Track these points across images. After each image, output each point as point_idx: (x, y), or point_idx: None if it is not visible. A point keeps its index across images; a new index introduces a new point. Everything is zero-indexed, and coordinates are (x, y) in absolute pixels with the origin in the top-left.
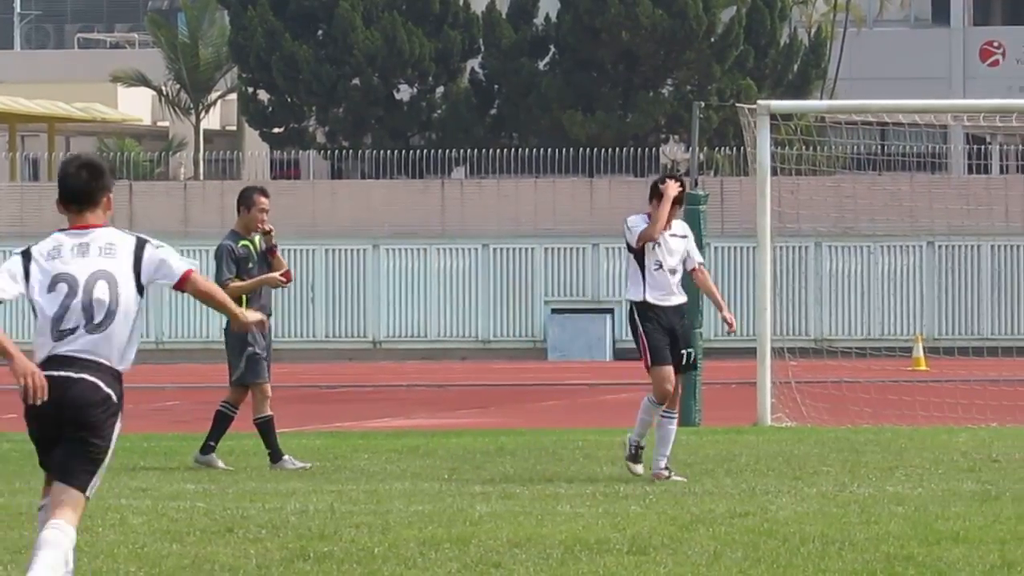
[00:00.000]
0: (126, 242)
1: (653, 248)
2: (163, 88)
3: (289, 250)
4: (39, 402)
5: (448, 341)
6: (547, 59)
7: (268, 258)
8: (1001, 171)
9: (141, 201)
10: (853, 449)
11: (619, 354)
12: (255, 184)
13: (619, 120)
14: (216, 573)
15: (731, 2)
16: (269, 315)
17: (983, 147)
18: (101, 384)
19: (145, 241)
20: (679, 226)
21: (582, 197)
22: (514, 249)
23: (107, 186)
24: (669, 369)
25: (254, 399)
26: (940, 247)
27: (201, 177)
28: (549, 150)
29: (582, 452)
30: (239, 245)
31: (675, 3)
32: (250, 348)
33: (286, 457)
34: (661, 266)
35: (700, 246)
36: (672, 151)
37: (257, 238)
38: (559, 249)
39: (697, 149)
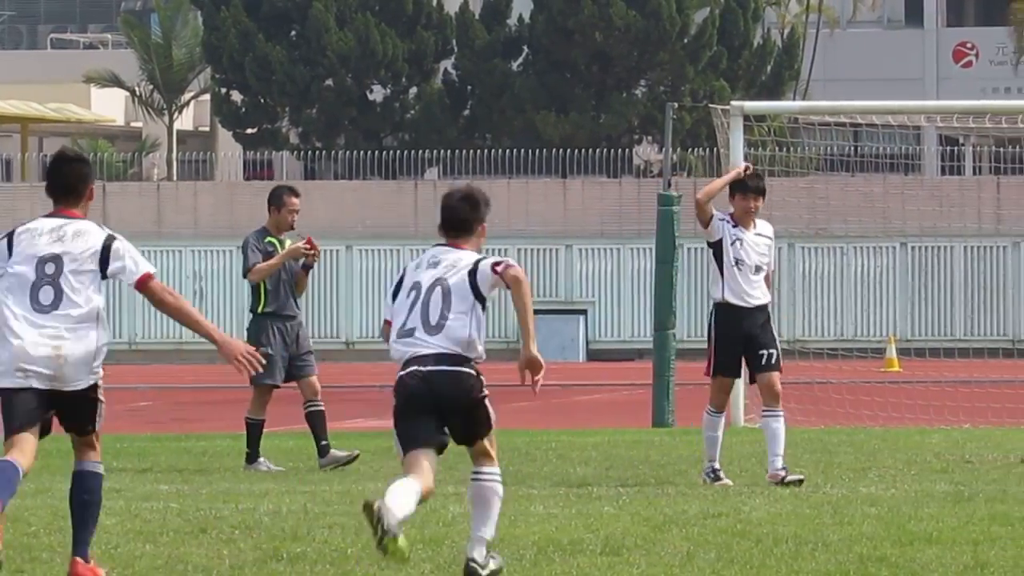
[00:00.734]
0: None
1: (732, 244)
2: (136, 89)
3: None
4: None
5: None
6: (520, 60)
7: (301, 271)
8: (974, 172)
9: (114, 202)
10: (826, 450)
11: (592, 355)
12: (286, 184)
13: (592, 121)
14: (189, 574)
15: (704, 3)
16: (293, 317)
17: (956, 148)
18: None
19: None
20: (764, 226)
21: (555, 198)
22: (487, 250)
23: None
24: (728, 381)
25: (254, 397)
26: (913, 248)
27: (174, 178)
28: (522, 151)
29: (555, 453)
30: (264, 241)
31: (648, 4)
32: (262, 348)
33: (261, 459)
34: (740, 264)
35: (673, 246)
36: (645, 152)
37: (288, 241)
38: (532, 250)
39: (670, 150)
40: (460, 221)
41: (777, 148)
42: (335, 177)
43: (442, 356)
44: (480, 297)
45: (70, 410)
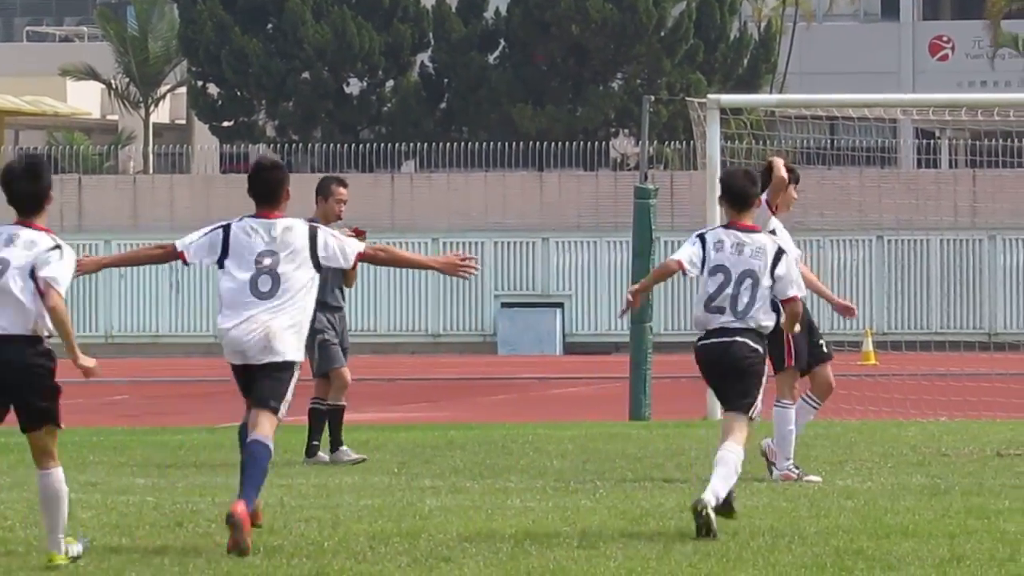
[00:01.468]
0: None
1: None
2: (112, 82)
3: None
4: None
5: (398, 335)
6: (497, 53)
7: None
8: (950, 165)
9: (90, 195)
10: (802, 443)
11: (569, 348)
12: (333, 175)
13: (569, 114)
14: (166, 567)
15: None
16: (339, 308)
17: (932, 141)
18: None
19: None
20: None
21: (532, 191)
22: (464, 243)
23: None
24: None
25: (332, 385)
26: (889, 241)
27: (150, 171)
28: (499, 144)
29: (532, 446)
30: None
31: None
32: (320, 335)
33: (343, 448)
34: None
35: (650, 240)
36: (622, 145)
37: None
38: (509, 243)
39: (647, 143)
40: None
41: (754, 141)
42: (311, 170)
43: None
44: None
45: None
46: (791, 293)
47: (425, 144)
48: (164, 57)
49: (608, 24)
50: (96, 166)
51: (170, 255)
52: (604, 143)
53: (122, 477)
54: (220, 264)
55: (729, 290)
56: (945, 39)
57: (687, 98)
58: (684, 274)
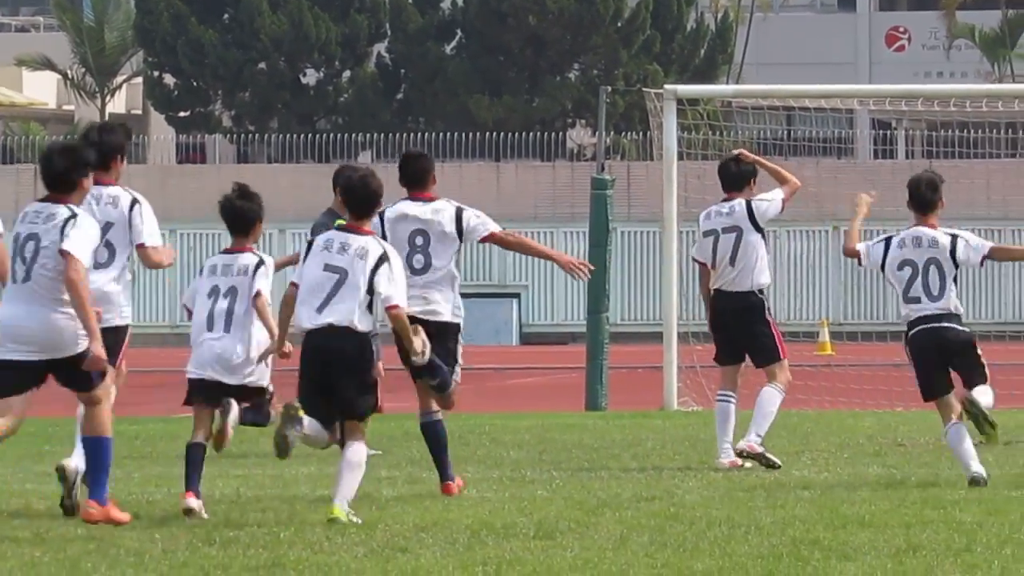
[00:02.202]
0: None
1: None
2: (68, 72)
3: (195, 235)
4: None
5: None
6: (454, 43)
7: None
8: (907, 156)
9: None
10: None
11: (525, 338)
12: (351, 164)
13: (526, 104)
14: (122, 558)
15: None
16: None
17: (889, 132)
18: None
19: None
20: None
21: (489, 181)
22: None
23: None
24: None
25: None
26: (846, 232)
27: None
28: (455, 134)
29: (488, 436)
30: (335, 224)
31: None
32: None
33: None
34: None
35: (606, 230)
36: (579, 136)
37: None
38: None
39: (604, 134)
40: None
41: (710, 132)
42: (268, 161)
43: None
44: None
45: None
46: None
47: (382, 134)
48: (120, 47)
49: (565, 14)
50: None
51: None
52: (561, 134)
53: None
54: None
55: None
56: (901, 30)
57: (644, 89)
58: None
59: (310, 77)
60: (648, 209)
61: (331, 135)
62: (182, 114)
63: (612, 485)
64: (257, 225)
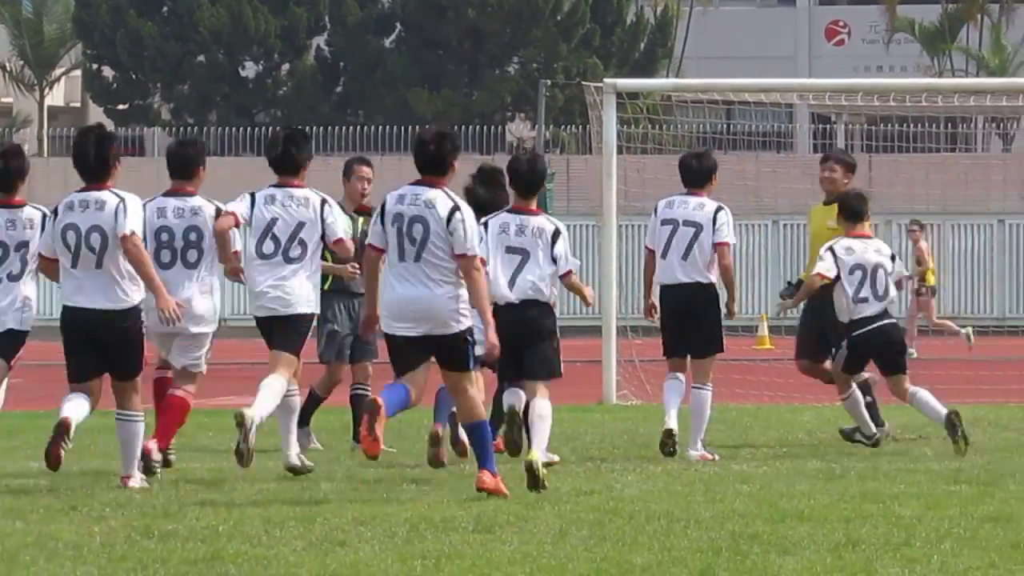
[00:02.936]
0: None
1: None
2: (7, 64)
3: None
4: None
5: None
6: (393, 37)
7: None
8: (846, 150)
9: None
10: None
11: None
12: (357, 155)
13: (465, 98)
14: (60, 551)
15: None
16: (361, 295)
17: (828, 126)
18: None
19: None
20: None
21: None
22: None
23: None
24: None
25: (324, 375)
26: (785, 226)
27: (45, 154)
28: (395, 128)
29: (427, 430)
30: None
31: None
32: (328, 325)
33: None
34: None
35: None
36: (518, 129)
37: (361, 220)
38: None
39: (543, 127)
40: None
41: (650, 126)
42: (207, 153)
43: None
44: None
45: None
46: None
47: (321, 128)
48: (59, 40)
49: (504, 8)
50: None
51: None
52: (500, 127)
53: (16, 461)
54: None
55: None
56: (841, 24)
57: (583, 82)
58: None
59: (249, 70)
60: (587, 203)
61: (270, 128)
62: (121, 107)
63: (551, 479)
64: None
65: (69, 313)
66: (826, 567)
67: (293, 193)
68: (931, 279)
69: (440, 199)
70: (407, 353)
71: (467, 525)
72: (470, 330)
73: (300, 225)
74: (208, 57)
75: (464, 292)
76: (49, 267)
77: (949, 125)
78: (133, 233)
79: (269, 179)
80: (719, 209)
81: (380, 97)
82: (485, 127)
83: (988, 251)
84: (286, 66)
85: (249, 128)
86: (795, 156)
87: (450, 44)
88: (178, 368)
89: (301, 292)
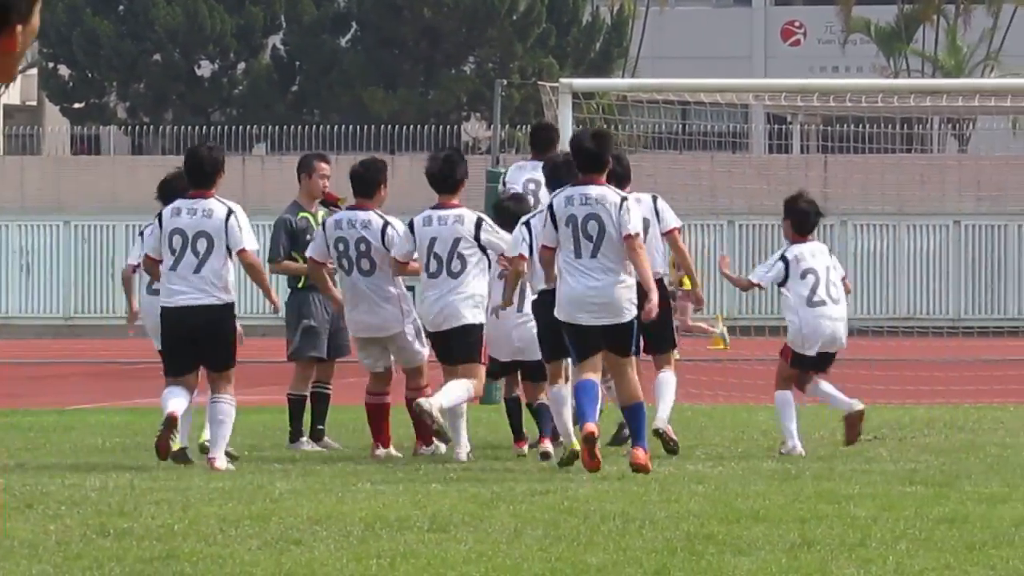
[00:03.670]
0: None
1: None
2: None
3: (89, 226)
4: None
5: (248, 317)
6: (349, 36)
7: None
8: (802, 151)
9: None
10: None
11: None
12: (316, 152)
13: (420, 97)
14: (15, 549)
15: None
16: None
17: (784, 127)
18: None
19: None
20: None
21: None
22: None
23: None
24: None
25: (296, 372)
26: (740, 226)
27: (0, 152)
28: (350, 127)
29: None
30: (298, 217)
31: None
32: (304, 321)
33: (303, 439)
34: None
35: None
36: (473, 129)
37: (320, 213)
38: None
39: (499, 127)
40: None
41: (605, 125)
42: (163, 152)
43: None
44: None
45: None
46: None
47: (276, 127)
48: None
49: (460, 7)
50: None
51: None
52: (456, 127)
53: None
54: None
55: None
56: (797, 24)
57: (539, 82)
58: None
59: (205, 69)
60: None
61: (225, 127)
62: (77, 105)
63: (506, 478)
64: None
65: (172, 312)
66: (781, 567)
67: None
68: (687, 282)
69: (609, 193)
70: (590, 341)
71: (422, 524)
72: (637, 318)
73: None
74: (164, 56)
75: (632, 281)
76: (154, 268)
77: (905, 126)
78: (249, 250)
79: (227, 177)
80: (655, 198)
81: (336, 96)
82: (441, 127)
83: (943, 252)
84: (242, 65)
85: (205, 127)
86: (750, 156)
87: (406, 43)
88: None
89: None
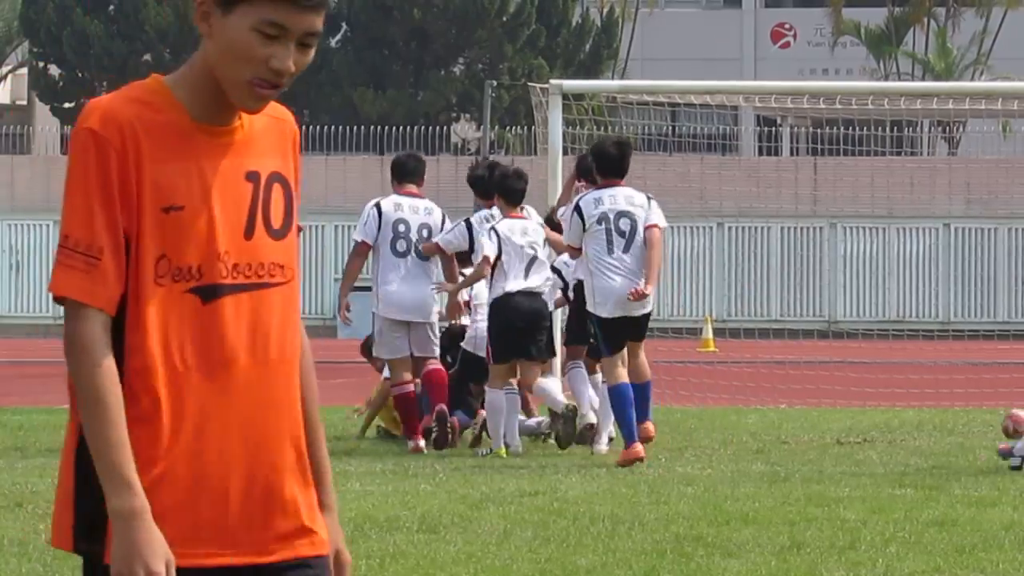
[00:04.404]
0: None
1: None
2: None
3: None
4: None
5: None
6: (339, 36)
7: None
8: (791, 153)
9: None
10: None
11: None
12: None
13: (410, 98)
14: (5, 548)
15: None
16: None
17: (773, 129)
18: None
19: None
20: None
21: (373, 175)
22: (305, 227)
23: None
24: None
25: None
26: (730, 228)
27: None
28: (340, 127)
29: (371, 430)
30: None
31: None
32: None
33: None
34: None
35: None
36: (463, 130)
37: None
38: (349, 227)
39: (488, 128)
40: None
41: (595, 127)
42: None
43: None
44: None
45: None
46: None
47: None
48: (5, 37)
49: (450, 8)
50: None
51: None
52: (446, 127)
53: None
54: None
55: None
56: (787, 27)
57: (529, 83)
58: None
59: None
60: (533, 203)
61: None
62: (67, 105)
63: (496, 479)
64: None
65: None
66: (770, 570)
67: None
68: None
69: (636, 194)
70: (628, 332)
71: (412, 525)
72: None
73: None
74: (154, 56)
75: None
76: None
77: (895, 128)
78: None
79: None
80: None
81: (325, 97)
82: (430, 128)
83: (933, 255)
84: None
85: None
86: (740, 158)
87: (395, 44)
88: None
89: None
